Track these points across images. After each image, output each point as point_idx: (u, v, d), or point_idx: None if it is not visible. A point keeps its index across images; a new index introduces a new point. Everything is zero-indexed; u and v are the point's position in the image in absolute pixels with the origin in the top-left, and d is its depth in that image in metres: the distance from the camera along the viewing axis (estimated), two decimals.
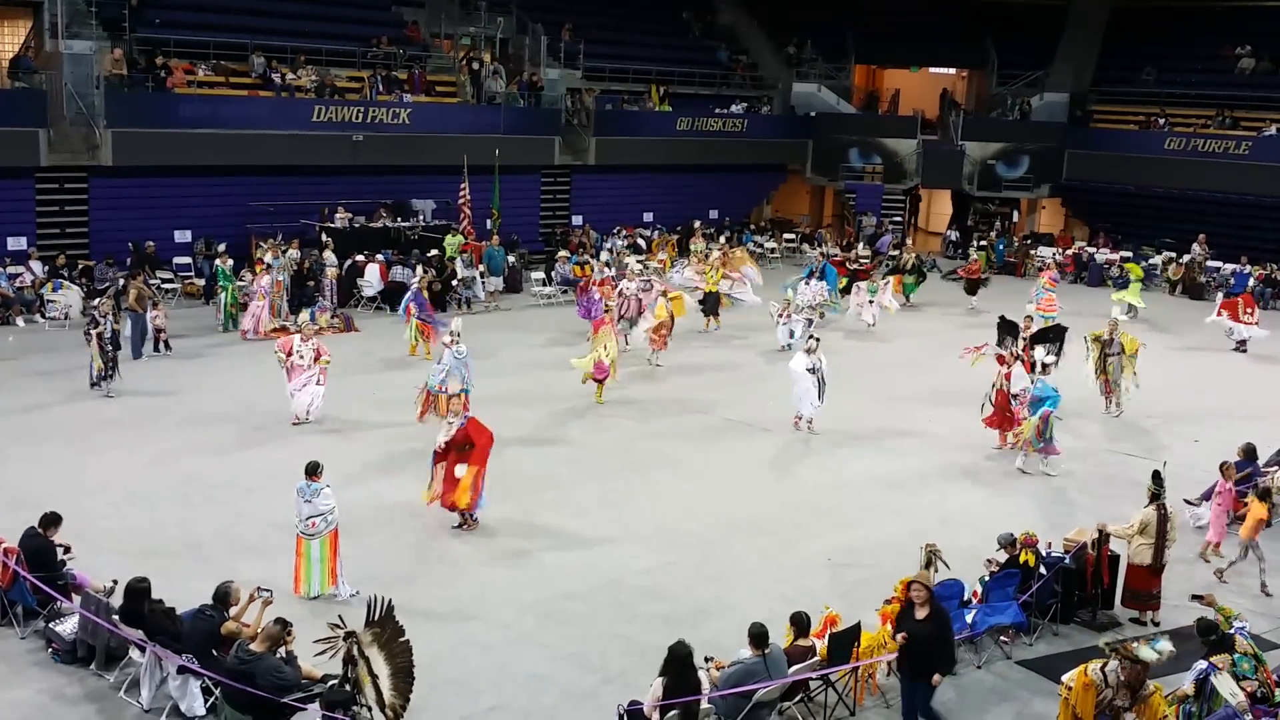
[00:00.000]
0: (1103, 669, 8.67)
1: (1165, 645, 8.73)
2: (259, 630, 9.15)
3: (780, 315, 22.90)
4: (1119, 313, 25.43)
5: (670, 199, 35.44)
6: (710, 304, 24.41)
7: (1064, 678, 9.05)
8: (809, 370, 17.23)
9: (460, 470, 13.02)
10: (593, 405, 18.54)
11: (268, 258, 23.61)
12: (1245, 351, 24.23)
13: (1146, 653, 8.55)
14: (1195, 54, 37.69)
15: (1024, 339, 18.97)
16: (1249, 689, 9.07)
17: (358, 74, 29.67)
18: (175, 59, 26.81)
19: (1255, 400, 20.34)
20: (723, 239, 31.94)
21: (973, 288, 28.79)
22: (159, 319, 20.81)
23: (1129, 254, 33.65)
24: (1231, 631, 9.51)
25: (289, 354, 16.83)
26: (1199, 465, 14.93)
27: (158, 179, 26.13)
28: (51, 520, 11.07)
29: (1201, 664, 9.11)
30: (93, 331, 17.68)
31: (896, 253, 31.44)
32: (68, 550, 11.14)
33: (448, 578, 12.16)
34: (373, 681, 8.66)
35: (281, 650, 8.97)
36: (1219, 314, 24.78)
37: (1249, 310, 24.69)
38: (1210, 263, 32.39)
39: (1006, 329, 19.82)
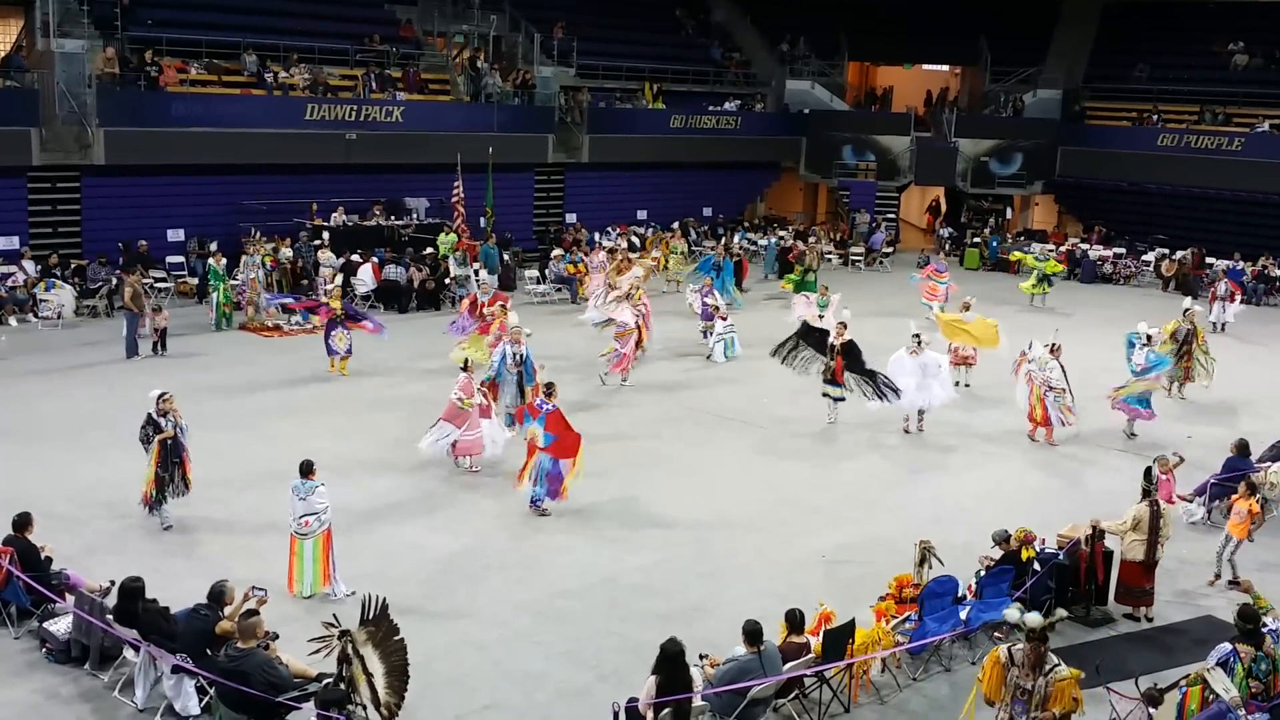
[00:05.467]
0: (1010, 649, 8.74)
1: (1034, 617, 8.82)
2: (236, 626, 9.15)
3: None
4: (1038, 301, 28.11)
5: (664, 197, 35.45)
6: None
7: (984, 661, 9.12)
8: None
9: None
10: (586, 403, 18.48)
11: (255, 255, 23.60)
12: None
13: (1011, 613, 8.61)
14: (1188, 50, 37.75)
15: (834, 345, 17.53)
16: (1254, 689, 9.02)
17: (351, 72, 29.65)
18: (167, 58, 26.73)
19: (1249, 395, 20.36)
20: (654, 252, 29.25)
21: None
22: (157, 319, 20.71)
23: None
24: (1265, 630, 9.42)
25: (471, 396, 14.73)
26: (1192, 460, 14.94)
27: (150, 178, 26.09)
28: (22, 522, 10.97)
29: (1226, 646, 9.09)
30: (155, 438, 12.82)
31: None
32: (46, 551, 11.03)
33: (442, 576, 12.16)
34: (367, 680, 8.66)
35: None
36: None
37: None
38: (1206, 259, 32.54)
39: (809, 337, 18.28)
